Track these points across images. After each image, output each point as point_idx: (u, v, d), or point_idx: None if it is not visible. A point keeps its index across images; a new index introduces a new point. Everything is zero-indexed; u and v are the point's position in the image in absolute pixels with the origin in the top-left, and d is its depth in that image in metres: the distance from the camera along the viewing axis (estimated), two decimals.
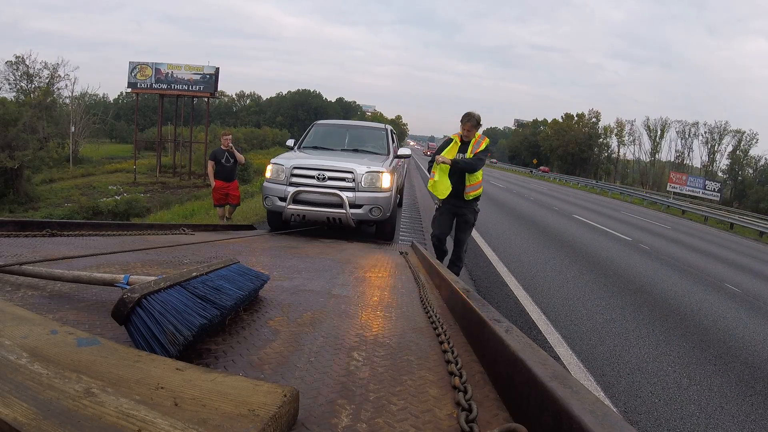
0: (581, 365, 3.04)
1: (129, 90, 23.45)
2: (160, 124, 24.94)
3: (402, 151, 5.92)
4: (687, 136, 47.75)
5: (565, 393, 0.58)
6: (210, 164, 6.23)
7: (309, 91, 77.31)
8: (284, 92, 78.27)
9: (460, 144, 3.85)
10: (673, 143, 51.78)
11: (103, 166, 28.08)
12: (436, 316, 1.19)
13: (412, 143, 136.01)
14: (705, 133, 46.82)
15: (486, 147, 3.80)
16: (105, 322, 0.88)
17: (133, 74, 22.13)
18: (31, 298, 0.98)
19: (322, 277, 1.82)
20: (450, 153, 3.80)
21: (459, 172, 3.73)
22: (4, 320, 0.69)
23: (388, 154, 5.55)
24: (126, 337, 0.78)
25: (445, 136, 3.87)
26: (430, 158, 4.04)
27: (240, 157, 6.35)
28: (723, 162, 45.98)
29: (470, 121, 3.75)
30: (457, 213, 3.94)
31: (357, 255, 2.78)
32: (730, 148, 45.24)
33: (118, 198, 16.60)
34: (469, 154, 3.74)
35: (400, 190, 7.07)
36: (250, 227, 4.87)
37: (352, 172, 4.51)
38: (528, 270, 5.58)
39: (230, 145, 6.27)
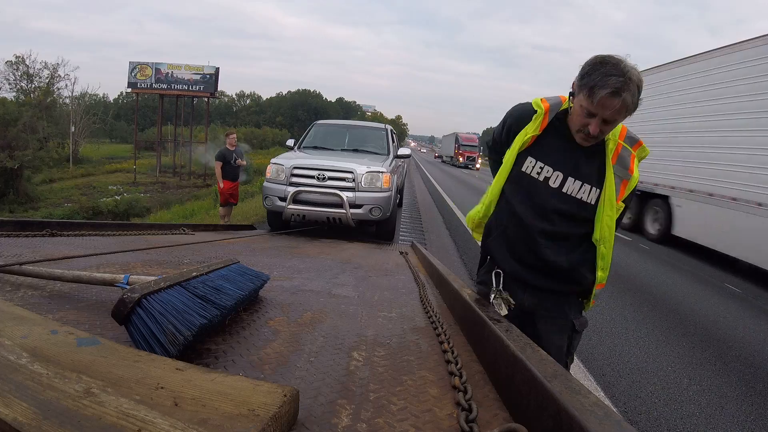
0: (581, 365, 3.04)
1: (129, 90, 23.45)
2: (160, 124, 24.94)
3: (402, 151, 5.93)
4: None
5: (565, 393, 0.58)
6: (218, 165, 6.21)
7: (309, 91, 77.35)
8: (284, 92, 78.39)
9: (539, 131, 1.37)
10: None
11: (103, 166, 28.07)
12: (436, 316, 1.19)
13: (412, 143, 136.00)
14: None
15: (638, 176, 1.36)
16: (105, 322, 0.88)
17: (133, 74, 22.13)
18: (31, 298, 0.98)
19: (322, 277, 1.82)
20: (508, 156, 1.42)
21: (580, 218, 1.35)
22: (4, 320, 0.69)
23: (388, 154, 5.56)
24: (126, 337, 0.78)
25: (525, 104, 1.43)
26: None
27: (242, 162, 6.39)
28: None
29: (627, 92, 1.17)
30: (535, 318, 1.40)
31: (357, 255, 2.78)
32: None
33: (118, 198, 16.59)
34: (614, 199, 1.32)
35: (400, 190, 7.08)
36: (250, 227, 4.87)
37: (352, 172, 4.51)
38: None
39: (235, 145, 6.33)
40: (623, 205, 1.36)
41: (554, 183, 1.36)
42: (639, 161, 1.36)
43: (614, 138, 1.33)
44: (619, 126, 1.34)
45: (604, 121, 1.23)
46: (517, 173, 1.41)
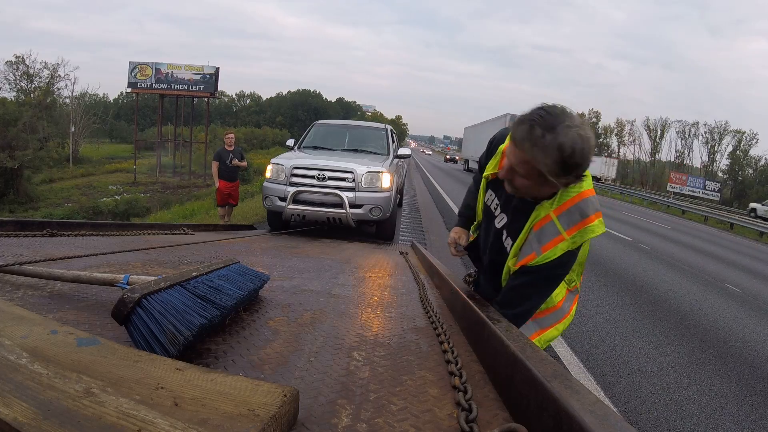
0: (581, 365, 3.04)
1: (129, 90, 23.45)
2: (160, 124, 24.94)
3: (402, 151, 5.93)
4: (687, 136, 47.76)
5: (565, 393, 0.58)
6: (214, 164, 6.24)
7: (309, 91, 77.22)
8: (284, 92, 78.22)
9: (497, 170, 1.27)
10: (673, 143, 51.73)
11: (103, 166, 28.05)
12: (436, 316, 1.19)
13: (412, 143, 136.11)
14: (705, 133, 46.83)
15: (568, 251, 1.13)
16: (105, 322, 0.88)
17: (133, 74, 22.12)
18: (31, 298, 0.98)
19: (322, 277, 1.81)
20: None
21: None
22: (4, 320, 0.69)
23: (388, 154, 5.56)
24: (126, 337, 0.78)
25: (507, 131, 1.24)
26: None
27: (241, 163, 6.34)
28: (723, 162, 46.03)
29: (534, 145, 1.01)
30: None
31: (357, 255, 2.78)
32: (730, 148, 45.27)
33: (118, 198, 16.59)
34: (512, 263, 1.25)
35: (400, 190, 7.07)
36: (250, 227, 4.87)
37: (352, 172, 4.51)
38: None
39: (233, 145, 6.32)
40: (513, 270, 1.24)
41: (498, 223, 1.32)
42: (570, 246, 1.12)
43: (547, 206, 1.15)
44: (571, 191, 1.12)
45: (513, 170, 1.09)
46: (483, 202, 1.42)
